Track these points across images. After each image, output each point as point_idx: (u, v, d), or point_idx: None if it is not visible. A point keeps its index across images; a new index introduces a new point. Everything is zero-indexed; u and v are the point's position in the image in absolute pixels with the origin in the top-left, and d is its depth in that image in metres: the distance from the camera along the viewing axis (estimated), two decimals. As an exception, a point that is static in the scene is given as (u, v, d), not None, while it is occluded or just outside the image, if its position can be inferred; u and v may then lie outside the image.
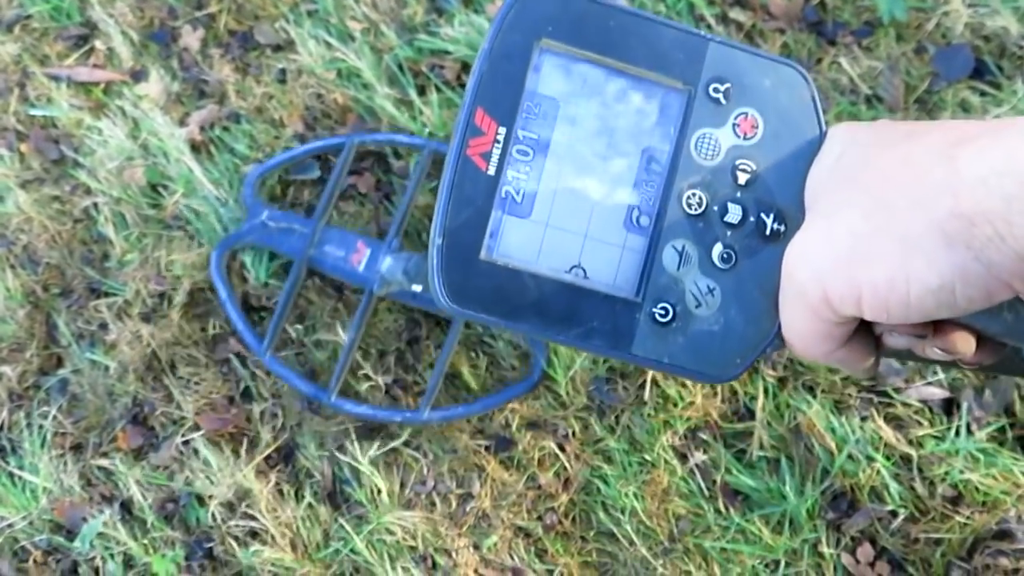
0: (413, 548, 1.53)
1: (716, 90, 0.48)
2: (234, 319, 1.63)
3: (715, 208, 0.47)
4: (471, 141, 0.46)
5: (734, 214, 0.47)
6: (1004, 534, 1.38)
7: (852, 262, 0.41)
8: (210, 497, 1.58)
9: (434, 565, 1.53)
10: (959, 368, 0.46)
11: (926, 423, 1.45)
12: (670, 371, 0.48)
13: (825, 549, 1.43)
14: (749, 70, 0.48)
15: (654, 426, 1.52)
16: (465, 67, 1.77)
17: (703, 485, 1.50)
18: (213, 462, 1.59)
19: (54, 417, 1.65)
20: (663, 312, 0.47)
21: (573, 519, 1.53)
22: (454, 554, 1.53)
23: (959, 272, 0.39)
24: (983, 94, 1.62)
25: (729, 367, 0.47)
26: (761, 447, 1.49)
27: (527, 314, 0.46)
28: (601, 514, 1.51)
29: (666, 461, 1.50)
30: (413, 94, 1.74)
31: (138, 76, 1.87)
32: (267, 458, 1.62)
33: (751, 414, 1.51)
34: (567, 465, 1.54)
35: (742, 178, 0.47)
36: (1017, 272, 0.38)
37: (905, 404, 1.47)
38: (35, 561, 1.56)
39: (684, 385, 1.51)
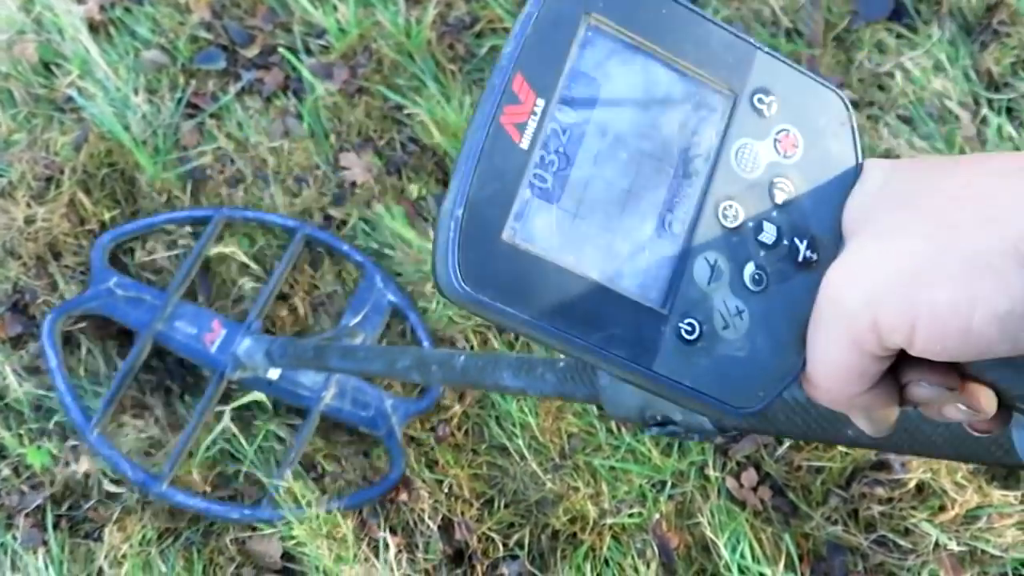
0: (302, 454, 1.51)
1: (761, 101, 0.45)
2: (62, 391, 1.47)
3: (750, 224, 0.44)
4: (507, 108, 0.41)
5: (769, 233, 0.44)
6: (882, 465, 1.42)
7: (912, 283, 0.38)
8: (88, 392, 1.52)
9: (322, 472, 1.51)
10: (930, 456, 0.43)
11: (817, 355, 1.48)
12: (688, 398, 0.43)
13: (711, 472, 1.45)
14: (794, 87, 0.45)
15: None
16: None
17: (597, 404, 1.50)
18: (98, 356, 1.53)
19: (-73, 300, 1.57)
20: (689, 328, 0.43)
21: (466, 432, 1.53)
22: (343, 460, 1.51)
23: None
24: (899, 36, 1.63)
25: (752, 399, 0.43)
26: (657, 370, 1.50)
27: (546, 309, 0.41)
28: (495, 428, 1.51)
29: (562, 379, 1.50)
30: (329, -11, 1.68)
31: (34, -54, 1.76)
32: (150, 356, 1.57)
33: (649, 337, 1.52)
34: (463, 378, 1.53)
35: (779, 197, 0.44)
36: None
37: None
38: (-100, 448, 1.49)
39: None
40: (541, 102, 0.42)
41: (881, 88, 1.62)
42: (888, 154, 1.54)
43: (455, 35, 1.66)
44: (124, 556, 1.42)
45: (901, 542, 1.39)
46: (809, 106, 0.46)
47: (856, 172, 0.45)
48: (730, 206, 0.44)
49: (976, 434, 0.46)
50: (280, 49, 1.69)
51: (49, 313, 1.51)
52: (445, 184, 1.63)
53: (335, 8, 1.66)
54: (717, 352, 0.43)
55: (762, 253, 0.44)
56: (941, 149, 1.55)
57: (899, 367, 0.43)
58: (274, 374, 1.48)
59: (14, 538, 1.44)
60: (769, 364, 0.44)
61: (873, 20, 1.64)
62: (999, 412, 0.44)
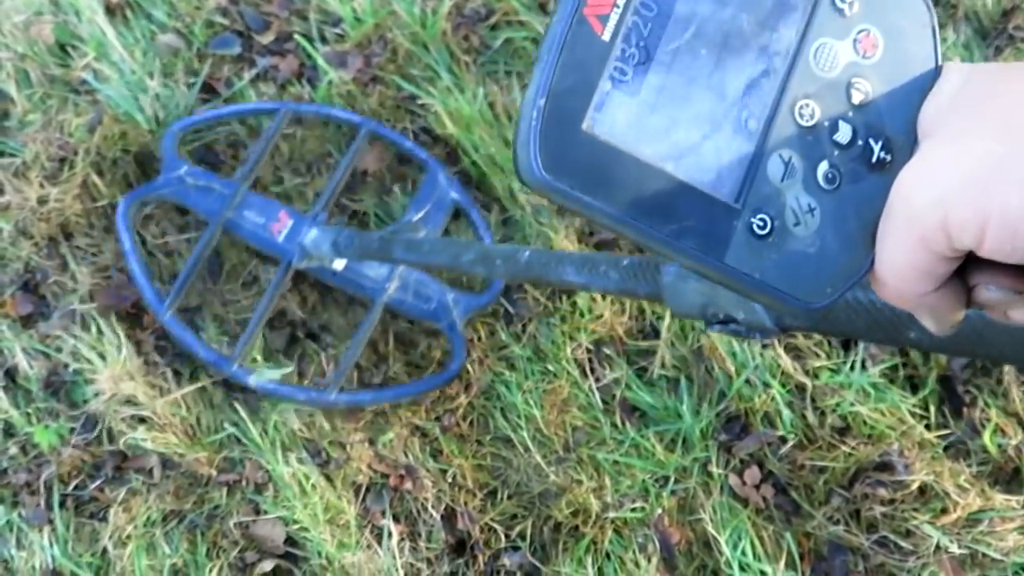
0: (308, 440, 1.52)
1: (843, 0, 0.45)
2: (135, 273, 1.52)
3: (826, 124, 0.44)
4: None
5: (844, 133, 0.44)
6: (885, 466, 1.43)
7: (984, 185, 0.39)
8: (97, 379, 1.53)
9: (327, 458, 1.51)
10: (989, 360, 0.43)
11: (823, 355, 1.48)
12: (758, 291, 0.44)
13: (714, 469, 1.46)
14: None
15: (560, 337, 1.53)
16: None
17: (602, 399, 1.51)
18: (106, 337, 1.54)
19: (-62, 277, 1.57)
20: (761, 224, 0.44)
21: (471, 422, 1.53)
22: (348, 448, 1.52)
23: None
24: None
25: (819, 294, 0.45)
26: (663, 366, 1.51)
27: (623, 199, 0.42)
28: (499, 419, 1.51)
29: (568, 373, 1.51)
30: (345, -22, 1.68)
31: (53, -73, 1.76)
32: (159, 338, 1.57)
33: (656, 333, 1.52)
34: (470, 368, 1.53)
35: (856, 97, 0.45)
36: None
37: (806, 336, 1.50)
38: (-91, 423, 1.50)
39: (594, 298, 1.51)
40: None
41: (895, 90, 1.62)
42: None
43: (470, 26, 1.66)
44: (129, 537, 1.43)
45: (902, 543, 1.40)
46: (891, 7, 0.45)
47: (935, 75, 0.45)
48: (806, 105, 0.45)
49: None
50: (295, 36, 1.69)
51: (123, 197, 1.55)
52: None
53: (351, -3, 1.66)
54: (788, 248, 0.44)
55: (836, 152, 0.45)
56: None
57: (967, 269, 0.43)
58: (339, 265, 1.52)
59: (20, 516, 1.45)
60: (838, 261, 0.44)
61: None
62: None
